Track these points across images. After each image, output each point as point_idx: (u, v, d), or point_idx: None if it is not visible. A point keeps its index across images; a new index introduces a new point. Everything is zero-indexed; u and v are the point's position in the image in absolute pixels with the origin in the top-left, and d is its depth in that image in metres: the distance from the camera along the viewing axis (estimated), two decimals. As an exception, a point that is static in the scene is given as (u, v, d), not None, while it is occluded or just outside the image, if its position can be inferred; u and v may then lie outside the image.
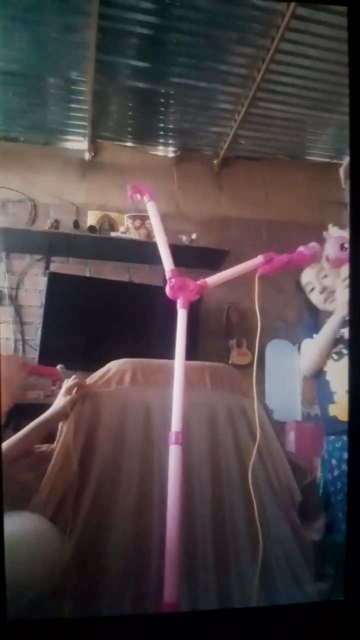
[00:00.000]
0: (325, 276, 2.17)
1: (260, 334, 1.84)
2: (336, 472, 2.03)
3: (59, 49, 3.33)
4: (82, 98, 3.78)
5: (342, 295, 2.02)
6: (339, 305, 2.05)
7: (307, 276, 2.22)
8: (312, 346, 2.12)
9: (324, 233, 2.15)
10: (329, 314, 2.14)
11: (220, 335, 4.31)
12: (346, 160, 4.48)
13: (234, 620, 1.43)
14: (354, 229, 1.42)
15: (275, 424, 2.06)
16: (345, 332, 2.11)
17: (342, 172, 4.56)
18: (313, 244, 1.97)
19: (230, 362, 4.14)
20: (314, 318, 2.21)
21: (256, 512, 1.67)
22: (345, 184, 4.46)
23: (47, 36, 3.22)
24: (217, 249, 4.16)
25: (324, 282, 2.18)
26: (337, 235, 2.06)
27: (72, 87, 3.69)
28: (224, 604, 1.72)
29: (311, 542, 1.89)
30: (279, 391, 3.85)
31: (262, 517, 1.73)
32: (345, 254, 1.98)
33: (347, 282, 1.98)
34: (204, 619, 1.47)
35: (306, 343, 2.19)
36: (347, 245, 1.99)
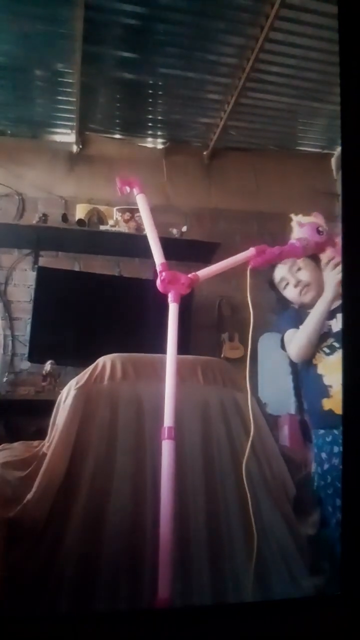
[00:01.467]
0: (299, 269, 2.16)
1: (253, 327, 1.82)
2: (326, 466, 2.02)
3: (45, 40, 3.31)
4: (69, 90, 3.76)
5: (330, 278, 2.01)
6: (327, 287, 2.03)
7: (281, 272, 2.20)
8: (300, 332, 2.10)
9: (293, 223, 2.13)
10: (306, 307, 2.13)
11: (212, 328, 4.31)
12: (338, 150, 4.51)
13: (229, 616, 1.42)
14: (347, 219, 1.40)
15: (269, 418, 2.05)
16: (333, 325, 2.10)
17: (334, 162, 4.57)
18: (305, 234, 1.96)
19: (222, 355, 4.14)
20: (293, 312, 2.20)
21: (250, 507, 1.66)
22: (337, 175, 4.47)
23: (33, 28, 3.20)
24: (208, 242, 4.15)
25: (298, 276, 2.16)
26: (305, 221, 2.04)
27: (59, 79, 3.68)
28: (218, 598, 1.71)
29: (306, 536, 1.88)
30: (271, 384, 3.85)
31: (256, 511, 1.73)
32: (324, 237, 1.97)
33: (332, 263, 1.97)
34: (198, 614, 1.45)
35: (291, 332, 2.17)
36: (321, 228, 1.97)
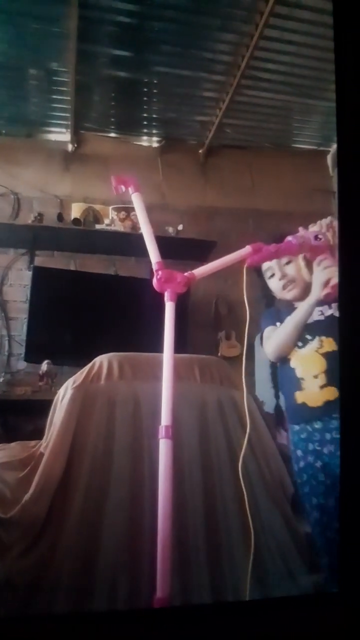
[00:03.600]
0: (288, 262, 2.16)
1: (249, 325, 1.82)
2: (302, 464, 2.02)
3: (40, 39, 3.30)
4: (64, 89, 3.75)
5: (318, 277, 2.01)
6: (314, 287, 2.03)
7: (268, 262, 2.20)
8: (280, 331, 2.09)
9: (300, 229, 2.13)
10: (286, 302, 2.13)
11: (209, 327, 4.31)
12: (334, 147, 4.50)
13: (227, 614, 1.42)
14: (343, 216, 1.40)
15: (266, 416, 2.05)
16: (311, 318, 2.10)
17: (330, 159, 4.57)
18: (301, 232, 1.96)
19: (219, 354, 4.14)
20: (274, 310, 2.19)
21: (247, 505, 1.66)
22: (333, 172, 4.47)
23: (28, 27, 3.20)
24: (204, 240, 4.15)
25: (285, 269, 2.16)
26: (311, 229, 2.05)
27: (54, 78, 3.67)
28: (216, 597, 1.71)
29: (304, 534, 1.89)
30: (269, 383, 3.86)
31: (254, 509, 1.73)
32: (320, 243, 1.97)
33: (323, 264, 1.97)
34: (197, 613, 1.45)
35: (269, 329, 2.17)
36: (320, 235, 1.98)
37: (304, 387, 2.02)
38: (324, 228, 1.99)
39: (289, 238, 1.92)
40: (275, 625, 1.31)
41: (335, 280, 1.90)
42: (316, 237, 1.96)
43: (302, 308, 2.03)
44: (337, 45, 1.35)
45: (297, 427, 2.05)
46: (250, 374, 3.01)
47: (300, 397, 2.02)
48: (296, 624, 1.30)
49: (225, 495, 1.83)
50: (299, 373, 2.04)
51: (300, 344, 2.06)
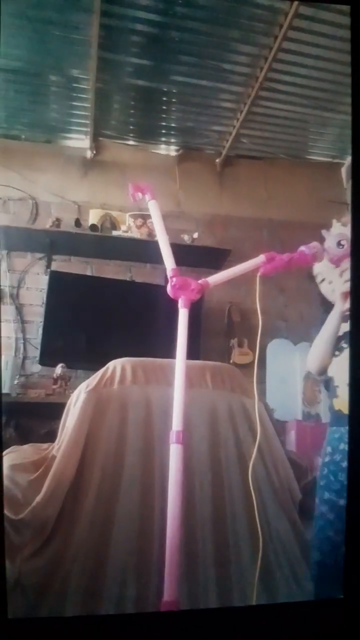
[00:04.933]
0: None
1: (262, 333, 1.84)
2: (327, 459, 2.03)
3: (62, 46, 3.32)
4: (84, 96, 3.78)
5: (340, 290, 2.01)
6: (337, 299, 2.04)
7: (318, 266, 2.21)
8: (314, 346, 2.10)
9: (323, 231, 2.14)
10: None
11: (221, 334, 4.31)
12: (348, 159, 4.48)
13: (234, 619, 1.43)
14: (356, 228, 1.42)
15: (276, 423, 2.06)
16: (344, 326, 2.10)
17: (344, 171, 4.55)
18: (314, 243, 1.97)
19: (231, 361, 4.14)
20: (326, 311, 2.20)
21: (256, 511, 1.67)
22: (347, 184, 4.45)
23: (50, 33, 3.22)
24: (219, 248, 4.16)
25: (345, 275, 2.17)
26: (337, 232, 2.04)
27: (74, 84, 3.69)
28: (223, 602, 1.72)
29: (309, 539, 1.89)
30: (279, 390, 3.86)
31: (262, 515, 1.74)
32: (342, 251, 1.97)
33: (345, 276, 1.98)
34: (203, 617, 1.46)
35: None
36: (343, 242, 1.98)
37: (338, 395, 2.03)
38: (344, 235, 1.99)
39: (302, 248, 1.94)
40: (281, 630, 1.32)
41: None
42: (339, 244, 1.97)
43: (329, 322, 2.04)
44: (354, 59, 1.38)
45: (333, 428, 2.06)
46: (262, 381, 3.02)
47: (337, 404, 2.03)
48: (301, 629, 1.31)
49: (234, 500, 1.84)
50: (335, 381, 2.05)
51: (337, 352, 2.07)
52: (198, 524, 1.79)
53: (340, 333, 2.08)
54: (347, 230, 2.00)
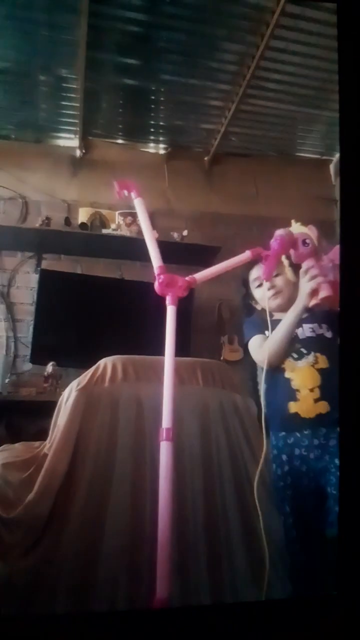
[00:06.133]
0: (277, 275, 2.19)
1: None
2: (286, 468, 2.06)
3: (50, 46, 3.34)
4: (72, 95, 3.79)
5: (303, 287, 2.03)
6: (299, 296, 2.06)
7: (258, 271, 2.22)
8: (270, 340, 2.11)
9: (290, 228, 2.15)
10: (271, 311, 2.14)
11: (212, 331, 4.33)
12: (336, 156, 4.54)
13: (227, 615, 1.43)
14: (345, 224, 1.43)
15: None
16: (299, 332, 2.13)
17: (332, 168, 4.60)
18: (279, 232, 1.99)
19: (222, 358, 4.16)
20: (258, 319, 2.21)
21: (260, 515, 1.67)
22: (335, 180, 4.50)
23: (38, 34, 3.23)
24: (209, 246, 4.17)
25: (274, 281, 2.19)
26: (298, 231, 2.06)
27: (63, 84, 3.71)
28: (215, 598, 1.73)
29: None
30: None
31: (254, 513, 1.74)
32: (307, 249, 1.99)
33: (309, 274, 2.00)
34: (196, 614, 1.47)
35: (257, 338, 2.20)
36: (308, 240, 2.00)
37: (299, 398, 2.05)
38: (313, 233, 2.01)
39: (272, 241, 1.96)
40: (274, 627, 1.33)
41: (324, 292, 1.93)
42: (304, 243, 1.99)
43: (290, 316, 2.07)
44: (341, 56, 1.38)
45: (283, 433, 2.08)
46: (251, 378, 3.03)
47: (293, 407, 2.05)
48: (295, 626, 1.32)
49: (225, 497, 1.85)
50: (294, 384, 2.07)
51: (295, 355, 2.10)
52: (189, 521, 1.78)
53: (302, 336, 2.11)
54: (307, 231, 2.02)
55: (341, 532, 1.34)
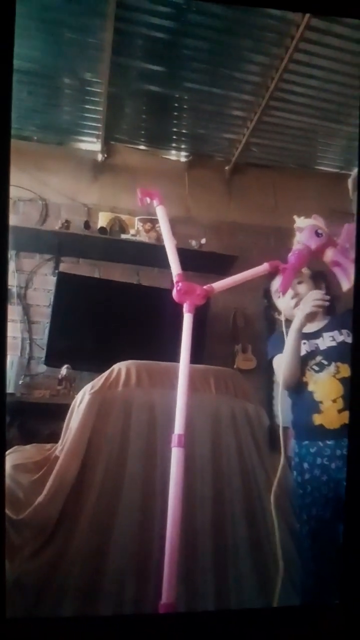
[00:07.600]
0: (300, 282, 2.20)
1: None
2: (307, 476, 2.06)
3: (75, 49, 3.35)
4: (96, 99, 3.81)
5: (305, 309, 2.05)
6: (298, 316, 2.08)
7: (279, 282, 2.23)
8: (285, 360, 2.12)
9: (294, 226, 2.16)
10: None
11: (226, 339, 4.32)
12: (354, 171, 4.53)
13: (231, 621, 1.44)
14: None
15: (277, 428, 2.07)
16: (319, 343, 2.13)
17: (351, 182, 4.59)
18: (303, 238, 2.00)
19: (235, 366, 4.16)
20: (280, 336, 2.21)
21: (276, 525, 1.66)
22: (353, 195, 4.49)
23: (64, 36, 3.25)
24: (226, 254, 4.17)
25: (297, 288, 2.20)
26: (305, 224, 2.07)
27: (87, 88, 3.72)
28: (221, 605, 1.73)
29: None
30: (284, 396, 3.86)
31: (265, 520, 1.75)
32: (323, 239, 2.00)
33: (312, 295, 2.04)
34: (201, 620, 1.48)
35: (278, 358, 2.19)
36: (320, 231, 2.00)
37: (323, 410, 2.05)
38: (319, 221, 2.02)
39: (289, 255, 1.97)
40: (277, 634, 1.33)
41: (346, 284, 1.94)
42: (317, 233, 1.99)
43: (290, 340, 2.07)
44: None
45: (305, 442, 2.08)
46: (264, 387, 3.03)
47: (318, 419, 2.05)
48: (297, 634, 1.32)
49: (234, 504, 1.85)
50: (317, 397, 2.07)
51: (317, 368, 2.10)
52: (198, 527, 1.79)
53: (323, 347, 2.11)
54: (314, 222, 2.03)
55: (345, 542, 1.34)
